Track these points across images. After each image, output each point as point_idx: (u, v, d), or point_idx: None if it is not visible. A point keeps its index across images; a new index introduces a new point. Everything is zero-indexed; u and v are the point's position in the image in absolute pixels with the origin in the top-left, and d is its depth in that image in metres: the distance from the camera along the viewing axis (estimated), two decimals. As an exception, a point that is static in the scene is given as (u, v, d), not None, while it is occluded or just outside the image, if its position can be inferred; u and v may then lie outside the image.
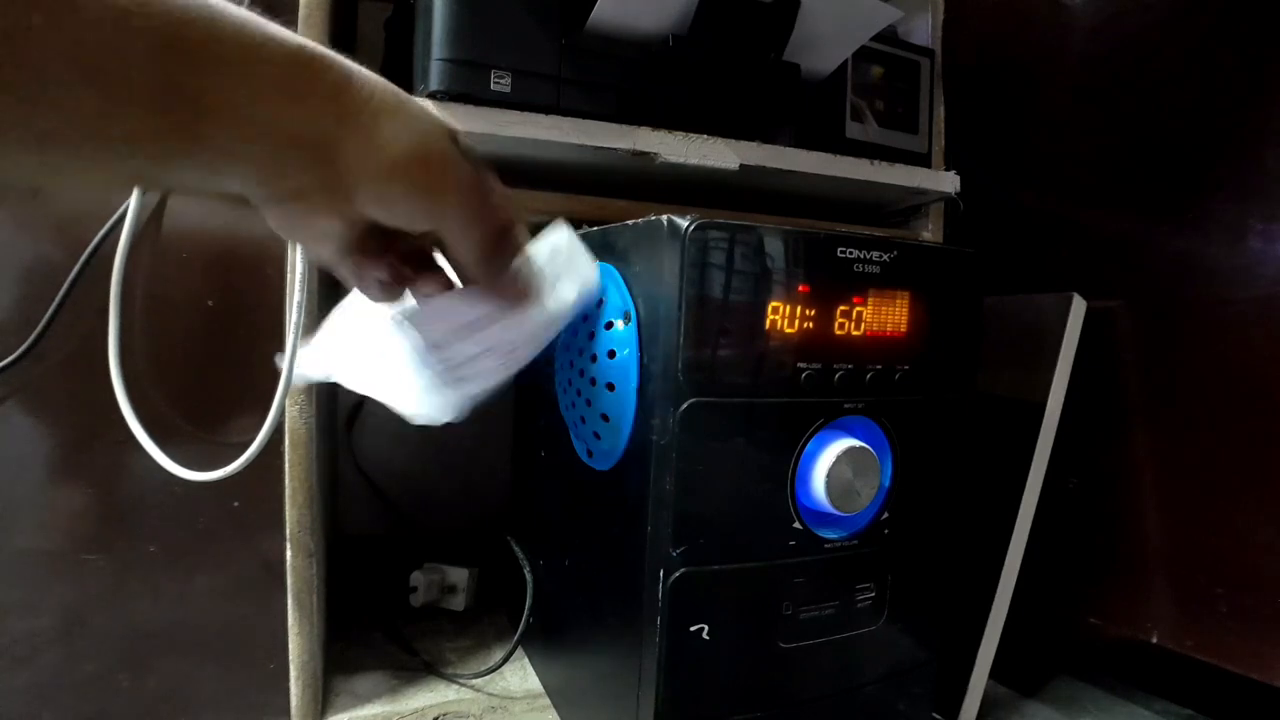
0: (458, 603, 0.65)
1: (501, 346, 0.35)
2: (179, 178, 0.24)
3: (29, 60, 0.18)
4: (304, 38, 0.24)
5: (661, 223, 0.36)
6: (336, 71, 0.25)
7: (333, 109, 0.24)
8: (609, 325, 0.40)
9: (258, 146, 0.23)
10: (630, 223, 0.39)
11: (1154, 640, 0.59)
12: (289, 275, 0.45)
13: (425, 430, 0.40)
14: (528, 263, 0.34)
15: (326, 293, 0.48)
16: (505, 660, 0.53)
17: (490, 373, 0.36)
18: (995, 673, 0.57)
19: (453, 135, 0.28)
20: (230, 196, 0.25)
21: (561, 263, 0.38)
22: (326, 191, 0.25)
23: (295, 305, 0.44)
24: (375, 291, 0.32)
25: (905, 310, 0.41)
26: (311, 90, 0.24)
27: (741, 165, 0.51)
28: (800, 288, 0.38)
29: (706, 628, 0.38)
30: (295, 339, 0.43)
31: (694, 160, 0.49)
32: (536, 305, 0.35)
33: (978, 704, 0.57)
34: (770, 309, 0.37)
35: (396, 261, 0.32)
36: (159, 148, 0.21)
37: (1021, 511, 0.56)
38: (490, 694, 0.53)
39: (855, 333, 0.39)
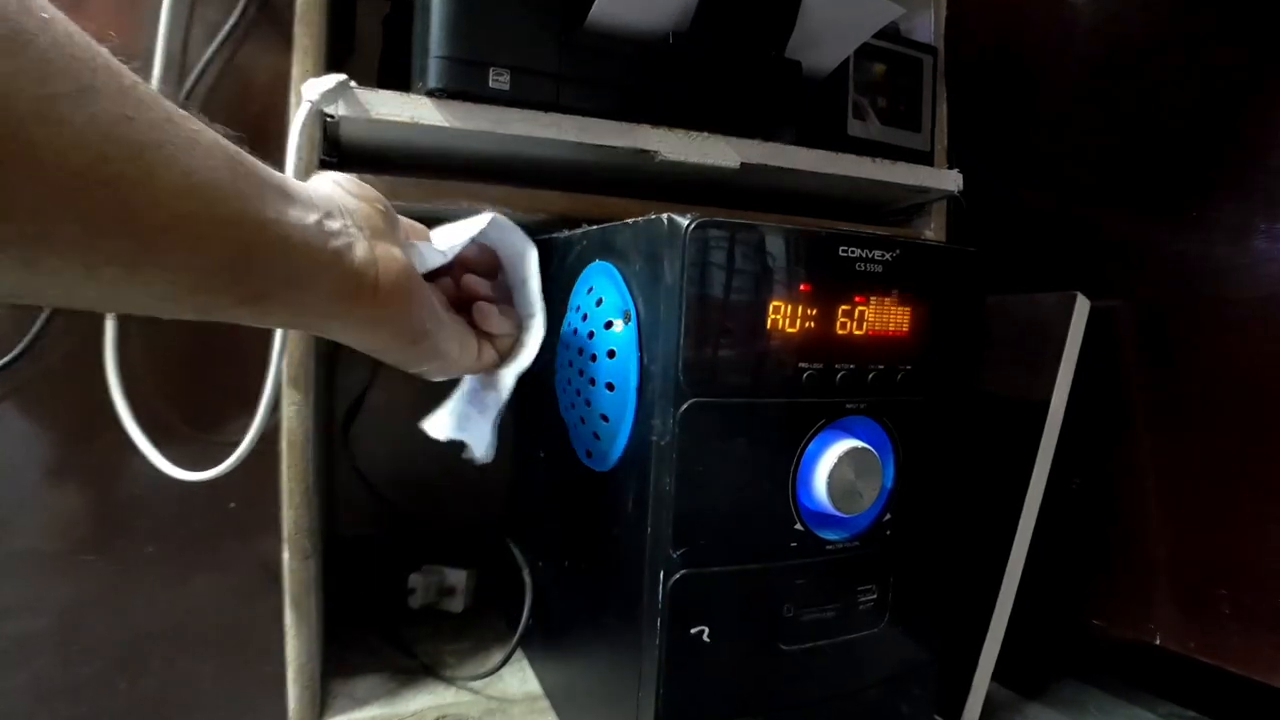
0: (456, 604, 0.64)
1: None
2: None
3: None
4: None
5: (662, 221, 0.36)
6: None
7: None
8: (609, 325, 0.40)
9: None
10: (630, 221, 0.39)
11: (1157, 642, 0.59)
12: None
13: (423, 431, 0.41)
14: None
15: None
16: (504, 662, 0.53)
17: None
18: (998, 674, 0.57)
19: None
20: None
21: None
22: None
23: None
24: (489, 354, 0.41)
25: (908, 310, 0.41)
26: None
27: (742, 163, 0.50)
28: (802, 287, 0.37)
29: (707, 630, 0.38)
30: (283, 338, 0.43)
31: (694, 158, 0.49)
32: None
33: (980, 706, 0.56)
34: (771, 308, 0.37)
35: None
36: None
37: (1024, 512, 0.55)
38: (489, 696, 0.52)
39: (857, 332, 0.39)
